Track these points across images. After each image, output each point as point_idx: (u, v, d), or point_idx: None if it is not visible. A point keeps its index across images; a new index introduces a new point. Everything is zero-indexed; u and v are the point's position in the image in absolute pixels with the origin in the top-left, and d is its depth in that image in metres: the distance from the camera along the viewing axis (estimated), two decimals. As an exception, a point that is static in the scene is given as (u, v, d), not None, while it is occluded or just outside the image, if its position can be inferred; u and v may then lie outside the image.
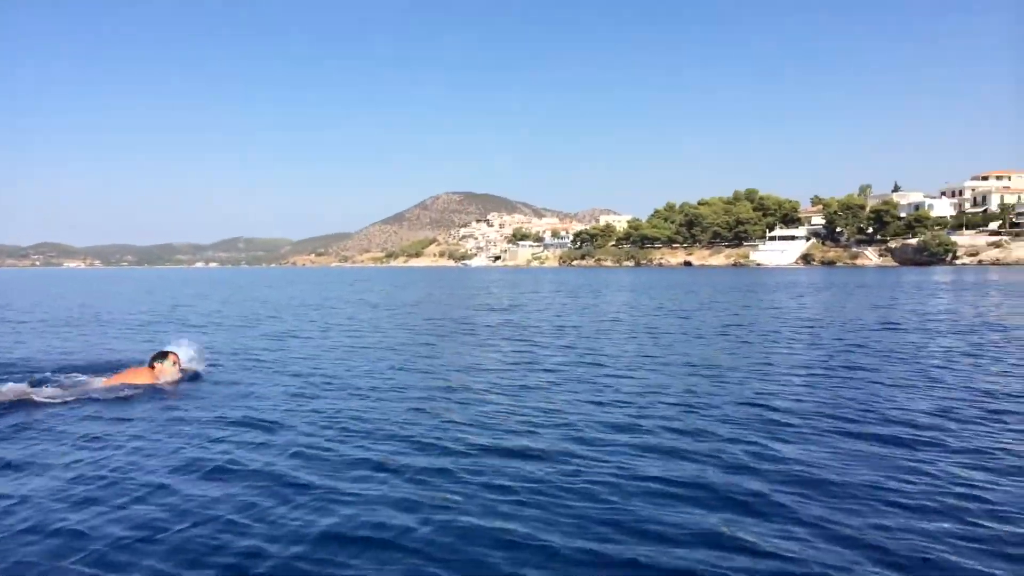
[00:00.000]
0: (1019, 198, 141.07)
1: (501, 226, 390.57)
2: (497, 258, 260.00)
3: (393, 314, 30.77)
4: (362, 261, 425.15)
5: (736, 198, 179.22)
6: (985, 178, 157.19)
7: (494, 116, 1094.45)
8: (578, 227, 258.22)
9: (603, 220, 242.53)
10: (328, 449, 8.75)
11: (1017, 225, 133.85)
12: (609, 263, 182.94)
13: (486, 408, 11.49)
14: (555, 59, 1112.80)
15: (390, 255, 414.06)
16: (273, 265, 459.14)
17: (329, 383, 13.17)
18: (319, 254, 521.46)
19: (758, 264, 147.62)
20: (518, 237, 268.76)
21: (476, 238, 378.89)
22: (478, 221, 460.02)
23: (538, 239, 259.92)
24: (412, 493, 7.16)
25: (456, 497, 7.19)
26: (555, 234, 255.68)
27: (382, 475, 7.74)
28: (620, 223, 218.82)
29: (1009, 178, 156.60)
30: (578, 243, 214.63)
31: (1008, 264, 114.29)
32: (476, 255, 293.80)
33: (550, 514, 6.69)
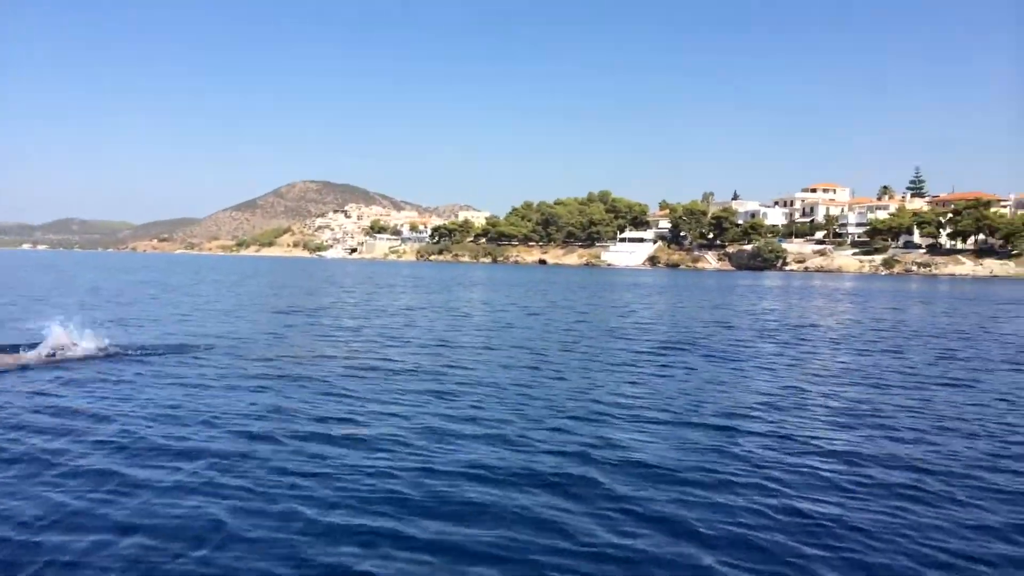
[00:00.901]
0: (842, 210, 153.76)
1: (359, 218, 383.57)
2: (354, 250, 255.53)
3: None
4: (210, 249, 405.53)
5: (590, 199, 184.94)
6: (813, 190, 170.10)
7: (356, 104, 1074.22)
8: (437, 221, 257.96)
9: (462, 216, 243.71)
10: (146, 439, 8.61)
11: (840, 235, 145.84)
12: (466, 259, 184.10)
13: (325, 397, 11.50)
14: (415, 51, 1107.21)
15: (241, 243, 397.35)
16: (111, 250, 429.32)
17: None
18: (163, 239, 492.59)
19: (609, 264, 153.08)
20: (376, 229, 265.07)
21: (333, 229, 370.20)
22: (335, 211, 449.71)
23: (396, 232, 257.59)
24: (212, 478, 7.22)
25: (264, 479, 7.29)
26: (413, 228, 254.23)
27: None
28: (478, 219, 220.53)
29: (834, 191, 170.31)
30: (436, 238, 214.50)
31: (831, 271, 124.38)
32: (332, 246, 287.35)
33: (358, 496, 6.92)
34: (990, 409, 11.98)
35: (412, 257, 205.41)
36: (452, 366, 15.09)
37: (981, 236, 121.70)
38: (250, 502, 6.80)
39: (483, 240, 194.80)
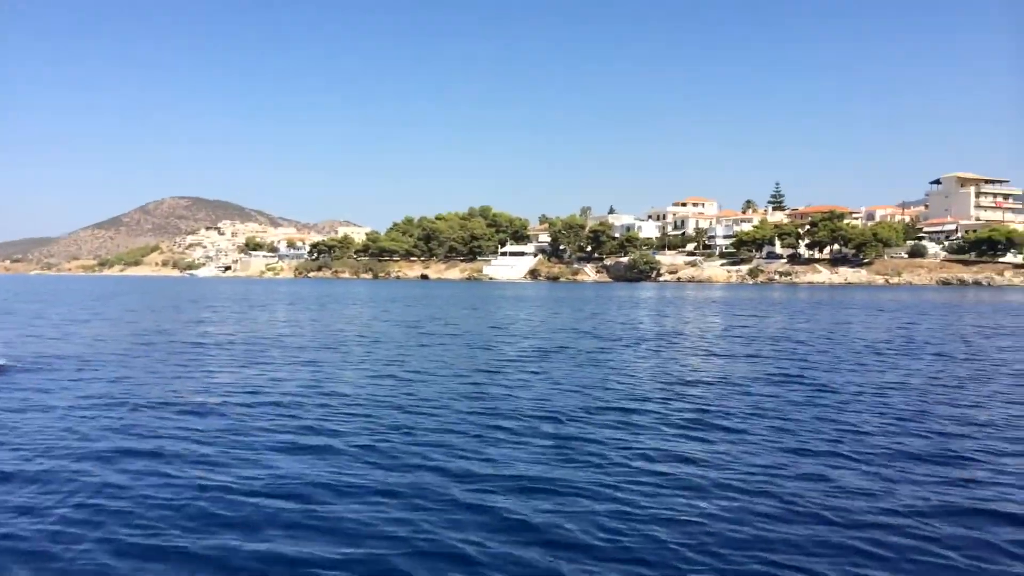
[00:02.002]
0: (710, 223, 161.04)
1: (234, 234, 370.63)
2: (227, 268, 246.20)
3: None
4: (70, 269, 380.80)
5: (471, 214, 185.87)
6: (684, 204, 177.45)
7: (229, 117, 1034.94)
8: (316, 238, 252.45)
9: (342, 231, 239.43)
10: None
11: (709, 247, 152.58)
12: (347, 275, 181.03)
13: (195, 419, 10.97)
14: (290, 62, 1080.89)
15: (104, 263, 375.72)
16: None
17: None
18: (15, 260, 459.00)
19: (491, 278, 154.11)
20: (251, 247, 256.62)
21: (205, 247, 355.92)
22: (208, 228, 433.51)
23: (273, 249, 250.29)
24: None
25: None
26: (291, 244, 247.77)
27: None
28: (359, 235, 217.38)
29: (703, 205, 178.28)
30: (315, 254, 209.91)
31: (701, 281, 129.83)
32: (205, 265, 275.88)
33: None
34: (837, 408, 12.78)
35: (290, 274, 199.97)
36: (319, 385, 14.77)
37: (836, 246, 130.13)
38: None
39: (364, 256, 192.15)
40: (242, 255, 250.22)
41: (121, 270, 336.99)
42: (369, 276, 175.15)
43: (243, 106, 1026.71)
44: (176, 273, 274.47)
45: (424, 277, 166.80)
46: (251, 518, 7.10)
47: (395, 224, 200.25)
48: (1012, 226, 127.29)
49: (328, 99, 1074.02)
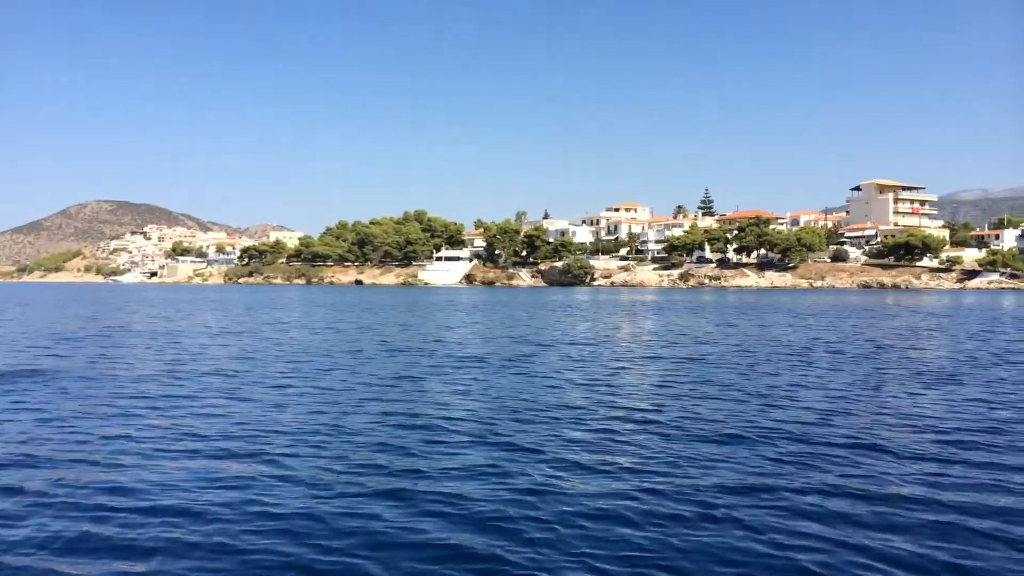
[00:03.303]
0: (643, 228, 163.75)
1: (160, 239, 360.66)
2: (153, 274, 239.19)
3: None
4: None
5: (406, 219, 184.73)
6: (617, 209, 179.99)
7: (157, 117, 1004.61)
8: (247, 243, 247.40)
9: (273, 236, 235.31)
10: None
11: (641, 252, 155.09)
12: (279, 280, 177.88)
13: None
14: (230, 65, 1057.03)
15: (23, 269, 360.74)
16: None
17: None
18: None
19: (426, 283, 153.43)
20: (178, 252, 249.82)
21: (131, 252, 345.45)
22: (134, 233, 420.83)
23: (202, 254, 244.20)
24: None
25: None
26: (220, 249, 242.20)
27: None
28: (291, 240, 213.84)
29: (636, 210, 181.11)
30: (246, 259, 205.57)
31: (634, 285, 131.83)
32: (130, 270, 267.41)
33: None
34: (752, 407, 13.23)
35: (219, 280, 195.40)
36: (236, 390, 14.57)
37: (763, 251, 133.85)
38: None
39: (297, 261, 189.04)
40: (169, 261, 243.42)
41: (42, 276, 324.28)
42: (302, 281, 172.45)
43: (172, 107, 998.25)
44: (100, 279, 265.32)
45: (358, 282, 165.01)
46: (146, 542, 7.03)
47: (329, 229, 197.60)
48: (928, 231, 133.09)
49: (259, 102, 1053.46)
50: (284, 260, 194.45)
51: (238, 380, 16.70)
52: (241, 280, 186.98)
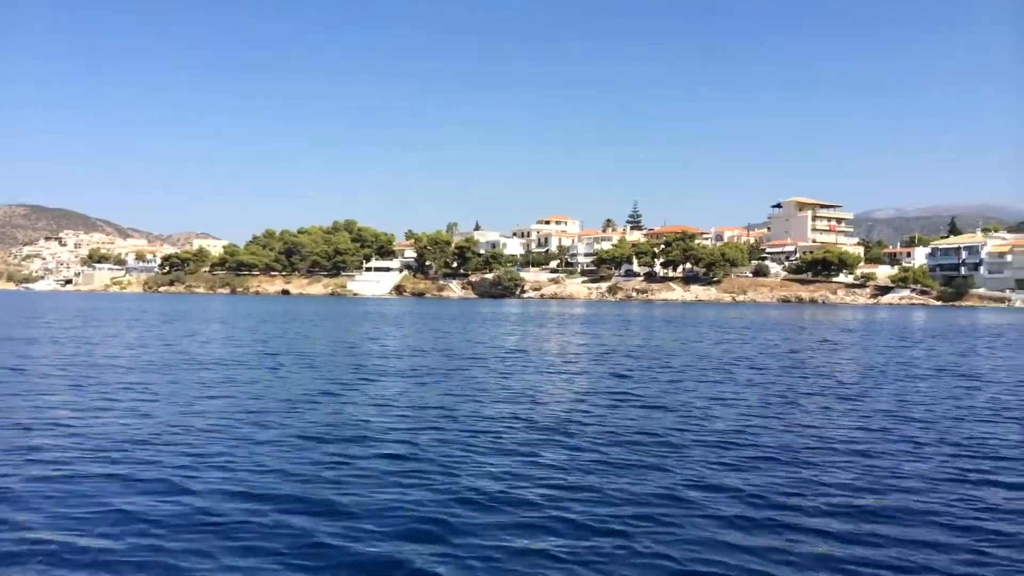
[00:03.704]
0: (572, 241, 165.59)
1: (77, 246, 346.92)
2: (68, 282, 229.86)
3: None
4: None
5: (336, 228, 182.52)
6: (547, 222, 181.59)
7: (74, 118, 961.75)
8: (170, 250, 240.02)
9: (197, 244, 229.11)
10: None
11: (571, 264, 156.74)
12: (202, 289, 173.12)
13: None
14: (153, 65, 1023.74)
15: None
16: None
17: None
18: None
19: (355, 294, 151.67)
20: (95, 259, 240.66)
21: (45, 258, 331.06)
22: (48, 239, 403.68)
23: (120, 262, 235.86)
24: None
25: None
26: (140, 257, 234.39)
27: None
28: (216, 248, 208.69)
29: (566, 223, 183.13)
30: (167, 268, 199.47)
31: (563, 297, 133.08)
32: (43, 277, 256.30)
33: None
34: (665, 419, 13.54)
35: (138, 289, 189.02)
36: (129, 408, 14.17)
37: (688, 265, 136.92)
38: None
39: (221, 270, 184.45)
40: (85, 268, 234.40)
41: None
42: (226, 291, 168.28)
43: (90, 107, 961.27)
44: (11, 286, 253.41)
45: (285, 292, 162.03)
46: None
47: (255, 237, 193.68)
48: (844, 248, 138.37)
49: (185, 105, 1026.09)
50: (208, 269, 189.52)
51: (146, 394, 16.24)
52: (162, 289, 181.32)
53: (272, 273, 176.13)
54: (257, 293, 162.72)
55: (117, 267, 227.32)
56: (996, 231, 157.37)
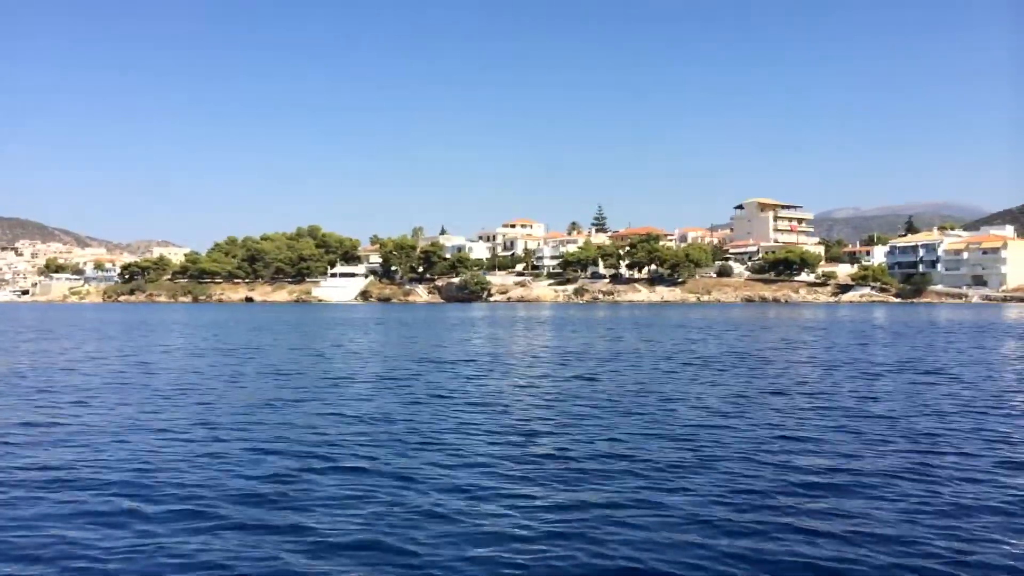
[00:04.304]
0: (538, 244, 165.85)
1: (34, 255, 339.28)
2: (25, 292, 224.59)
3: None
4: None
5: (299, 234, 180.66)
6: (513, 226, 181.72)
7: (30, 123, 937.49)
8: (129, 259, 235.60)
9: (157, 252, 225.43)
10: None
11: (537, 267, 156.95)
12: (163, 298, 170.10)
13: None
14: (113, 67, 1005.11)
15: None
16: None
17: None
18: None
19: (320, 300, 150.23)
20: (52, 269, 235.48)
21: (1, 269, 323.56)
22: (3, 249, 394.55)
23: (78, 271, 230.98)
24: None
25: None
26: (99, 266, 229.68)
27: None
28: (177, 256, 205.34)
29: (531, 226, 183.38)
30: (127, 276, 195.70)
31: (530, 300, 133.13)
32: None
33: None
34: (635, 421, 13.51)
35: (98, 298, 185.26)
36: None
37: (653, 266, 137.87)
38: None
39: (183, 278, 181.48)
40: (42, 278, 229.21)
41: None
42: (188, 299, 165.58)
43: (46, 112, 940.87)
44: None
45: (249, 300, 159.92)
46: None
47: (217, 245, 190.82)
48: (805, 248, 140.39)
49: (143, 111, 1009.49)
50: (169, 277, 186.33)
51: (103, 406, 15.83)
52: (122, 298, 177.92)
53: (235, 281, 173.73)
54: (220, 301, 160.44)
55: (75, 277, 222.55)
56: (952, 229, 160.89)
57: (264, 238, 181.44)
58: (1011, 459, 10.93)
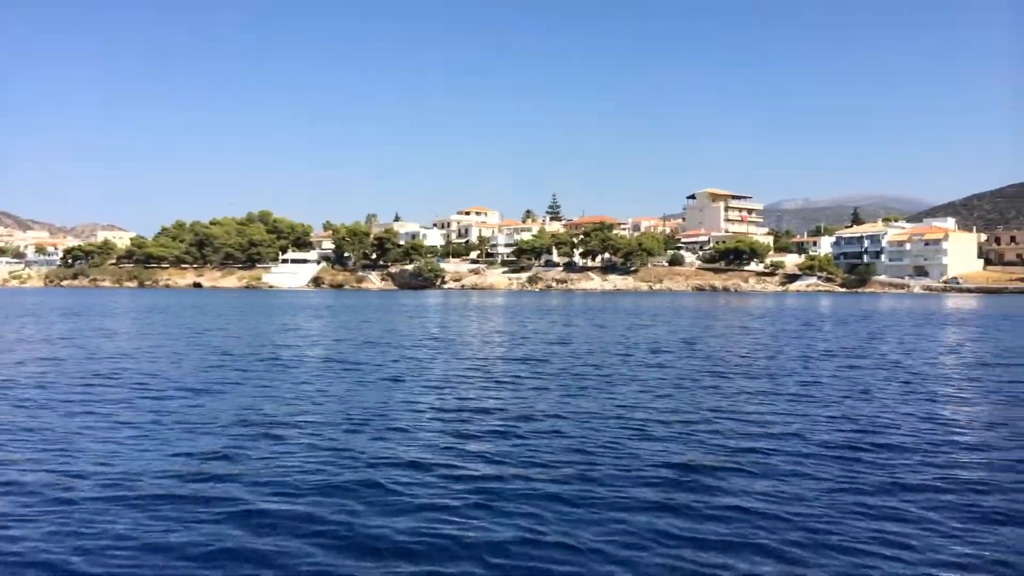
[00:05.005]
0: (493, 232, 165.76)
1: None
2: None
3: None
4: None
5: (250, 219, 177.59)
6: (468, 213, 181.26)
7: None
8: (73, 242, 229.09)
9: (102, 236, 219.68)
10: None
11: (491, 255, 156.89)
12: (108, 283, 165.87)
13: None
14: (59, 49, 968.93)
15: None
16: None
17: None
18: None
19: (271, 286, 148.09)
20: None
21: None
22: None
23: (19, 255, 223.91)
24: None
25: None
26: (41, 250, 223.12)
27: None
28: (122, 240, 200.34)
29: (486, 214, 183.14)
30: (70, 260, 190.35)
31: (484, 288, 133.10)
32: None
33: None
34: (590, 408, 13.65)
35: (39, 283, 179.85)
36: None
37: (607, 255, 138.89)
38: None
39: (129, 263, 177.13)
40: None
41: None
42: (134, 285, 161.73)
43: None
44: None
45: (197, 285, 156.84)
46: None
47: (164, 229, 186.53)
48: (755, 238, 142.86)
49: (88, 92, 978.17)
50: (114, 262, 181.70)
51: (42, 392, 15.46)
52: (64, 283, 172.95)
53: (183, 266, 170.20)
54: (167, 286, 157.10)
55: (16, 260, 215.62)
56: (896, 221, 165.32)
57: (213, 223, 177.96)
58: (938, 440, 11.33)
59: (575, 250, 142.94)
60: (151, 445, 10.46)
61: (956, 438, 11.28)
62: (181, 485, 8.48)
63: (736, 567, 6.37)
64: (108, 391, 15.34)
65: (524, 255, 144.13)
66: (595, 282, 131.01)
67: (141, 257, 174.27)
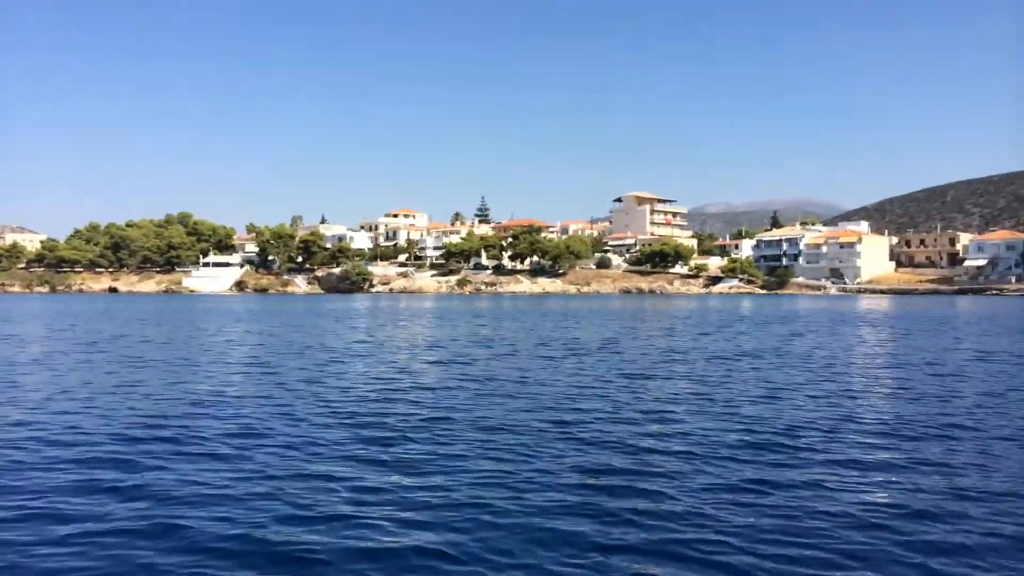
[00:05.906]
0: (421, 235, 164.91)
1: None
2: None
3: None
4: None
5: (169, 221, 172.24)
6: (396, 215, 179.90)
7: None
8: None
9: (10, 238, 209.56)
10: None
11: (420, 258, 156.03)
12: (17, 288, 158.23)
13: None
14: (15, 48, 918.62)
15: None
16: None
17: None
18: None
19: (192, 291, 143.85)
20: None
21: None
22: None
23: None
24: None
25: None
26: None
27: None
28: (32, 243, 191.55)
29: (414, 216, 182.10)
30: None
31: (413, 292, 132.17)
32: None
33: None
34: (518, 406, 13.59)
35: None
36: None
37: (536, 258, 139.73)
38: None
39: (39, 267, 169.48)
40: None
41: None
42: (45, 290, 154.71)
43: None
44: None
45: (113, 290, 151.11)
46: None
47: (78, 231, 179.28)
48: (679, 241, 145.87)
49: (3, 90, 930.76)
50: (23, 266, 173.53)
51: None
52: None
53: (98, 270, 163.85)
54: (81, 291, 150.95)
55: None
56: (814, 224, 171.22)
57: (130, 225, 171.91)
58: (848, 439, 11.67)
59: (504, 253, 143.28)
60: (38, 459, 9.92)
61: (865, 438, 11.63)
62: (81, 492, 8.05)
63: (648, 571, 6.38)
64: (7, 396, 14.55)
65: (453, 258, 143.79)
66: (524, 285, 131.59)
67: (53, 261, 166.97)
